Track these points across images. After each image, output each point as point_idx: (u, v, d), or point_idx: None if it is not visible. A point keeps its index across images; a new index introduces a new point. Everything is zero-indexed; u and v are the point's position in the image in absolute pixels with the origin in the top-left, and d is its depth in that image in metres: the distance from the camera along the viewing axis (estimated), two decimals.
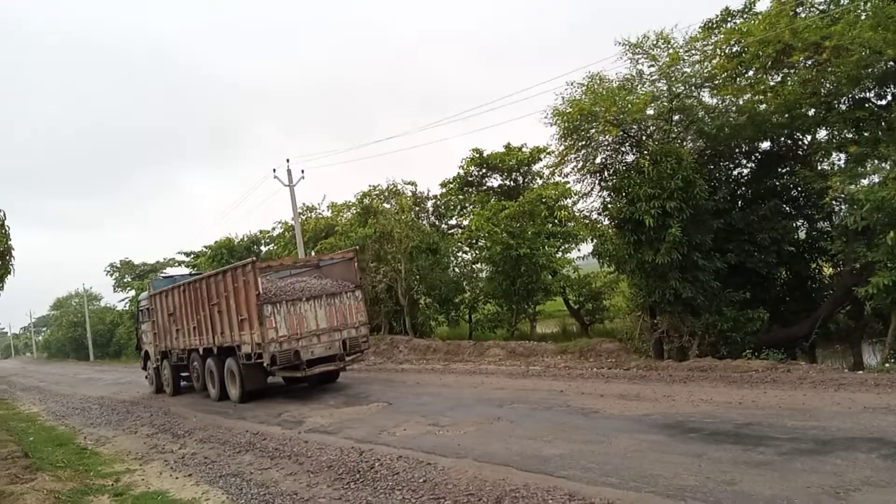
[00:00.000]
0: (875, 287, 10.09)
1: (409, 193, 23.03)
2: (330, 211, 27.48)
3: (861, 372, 9.93)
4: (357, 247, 17.51)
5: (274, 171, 22.78)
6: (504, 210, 18.22)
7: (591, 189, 14.31)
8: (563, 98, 13.14)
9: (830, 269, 14.31)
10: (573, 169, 14.11)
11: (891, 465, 5.17)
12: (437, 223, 24.47)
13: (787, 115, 12.67)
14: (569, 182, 16.53)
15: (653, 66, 12.86)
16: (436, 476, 6.27)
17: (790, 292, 14.68)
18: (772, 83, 13.16)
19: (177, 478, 7.58)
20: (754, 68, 13.02)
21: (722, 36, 13.13)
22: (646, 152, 12.87)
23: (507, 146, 22.18)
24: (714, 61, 12.91)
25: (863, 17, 11.28)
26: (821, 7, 12.56)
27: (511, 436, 7.59)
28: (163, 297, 16.52)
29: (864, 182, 10.84)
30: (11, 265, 14.52)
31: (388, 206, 22.25)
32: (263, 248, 33.27)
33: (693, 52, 12.99)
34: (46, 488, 6.97)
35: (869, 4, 11.47)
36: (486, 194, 22.72)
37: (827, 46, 11.06)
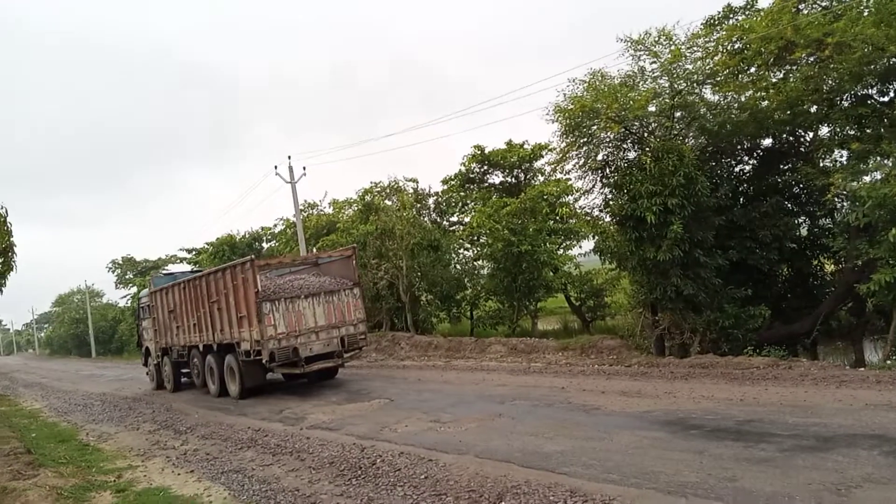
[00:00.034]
0: (877, 284, 10.08)
1: (411, 190, 23.03)
2: (331, 208, 27.56)
3: (863, 369, 9.95)
4: (357, 244, 17.51)
5: (275, 167, 22.81)
6: (505, 207, 18.22)
7: (593, 186, 14.32)
8: (564, 95, 13.15)
9: (832, 265, 14.30)
10: (575, 166, 14.12)
11: (892, 462, 5.17)
12: (438, 220, 24.46)
13: (789, 112, 12.63)
14: (570, 179, 16.53)
15: (655, 62, 12.84)
16: (437, 472, 6.28)
17: (792, 289, 14.65)
18: (774, 80, 13.10)
19: (179, 474, 7.60)
20: (756, 65, 12.99)
21: (724, 32, 13.10)
22: (647, 149, 12.83)
23: (509, 143, 22.13)
24: (716, 58, 12.89)
25: (865, 14, 11.26)
26: (823, 3, 12.53)
27: (512, 432, 7.60)
28: (163, 295, 16.57)
29: (867, 179, 10.83)
30: (13, 262, 14.58)
31: (389, 202, 22.27)
32: (265, 245, 33.27)
33: (695, 48, 12.97)
34: (49, 484, 6.99)
35: (871, 1, 11.44)
36: (487, 191, 22.65)
37: (829, 43, 11.03)
